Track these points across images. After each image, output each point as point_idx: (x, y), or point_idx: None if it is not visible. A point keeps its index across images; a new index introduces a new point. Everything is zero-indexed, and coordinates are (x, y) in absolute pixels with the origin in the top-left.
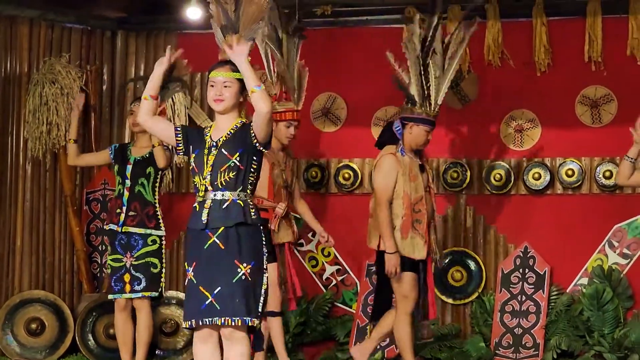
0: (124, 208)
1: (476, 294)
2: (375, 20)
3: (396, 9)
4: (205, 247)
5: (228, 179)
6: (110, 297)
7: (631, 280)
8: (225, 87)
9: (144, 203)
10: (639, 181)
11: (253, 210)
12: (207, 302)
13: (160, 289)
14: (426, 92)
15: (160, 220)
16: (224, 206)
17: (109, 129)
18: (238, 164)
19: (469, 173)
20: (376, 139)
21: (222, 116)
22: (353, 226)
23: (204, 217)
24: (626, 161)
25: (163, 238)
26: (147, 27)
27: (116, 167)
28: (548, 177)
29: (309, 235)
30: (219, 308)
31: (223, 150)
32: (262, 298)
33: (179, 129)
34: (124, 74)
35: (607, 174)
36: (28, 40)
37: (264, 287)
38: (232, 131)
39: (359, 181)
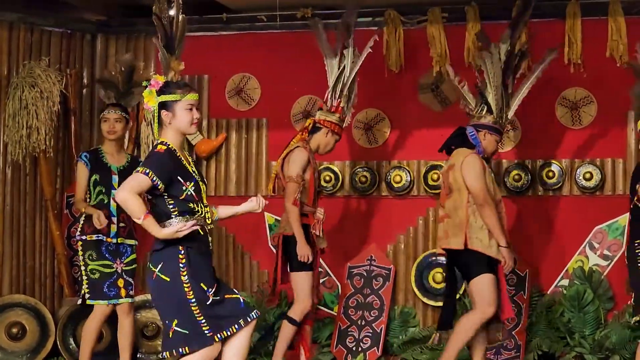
0: (114, 219)
1: (457, 296)
2: (356, 23)
3: (375, 11)
4: (213, 269)
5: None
6: (99, 302)
7: (612, 282)
8: (197, 109)
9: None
10: None
11: None
12: (242, 301)
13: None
14: (503, 104)
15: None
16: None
17: (89, 132)
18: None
19: None
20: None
21: (180, 141)
22: (334, 228)
23: (210, 242)
24: None
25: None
26: (126, 30)
27: (96, 177)
28: (529, 179)
29: None
30: (249, 303)
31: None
32: None
33: (154, 180)
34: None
35: (588, 175)
36: (7, 44)
37: None
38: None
39: (339, 183)
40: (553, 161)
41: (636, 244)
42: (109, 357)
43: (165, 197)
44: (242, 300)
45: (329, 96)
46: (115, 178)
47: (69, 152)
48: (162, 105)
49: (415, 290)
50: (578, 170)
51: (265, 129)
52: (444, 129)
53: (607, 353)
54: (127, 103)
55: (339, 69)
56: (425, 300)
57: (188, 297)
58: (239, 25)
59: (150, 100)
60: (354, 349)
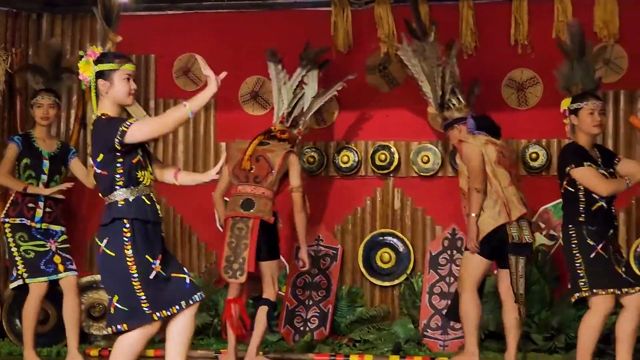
0: (40, 204)
1: (404, 276)
2: (303, 3)
3: None
4: (162, 239)
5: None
6: (39, 280)
7: (557, 262)
8: (135, 80)
9: (56, 200)
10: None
11: None
12: (188, 282)
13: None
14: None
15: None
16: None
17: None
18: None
19: (397, 155)
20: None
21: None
22: (281, 210)
23: (159, 210)
24: None
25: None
26: (72, 10)
27: (27, 161)
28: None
29: None
30: (196, 285)
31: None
32: None
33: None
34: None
35: (534, 155)
36: None
37: None
38: None
39: None
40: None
41: (569, 227)
42: (55, 337)
43: (117, 165)
44: (188, 281)
45: (288, 116)
46: (46, 163)
47: (15, 132)
48: (100, 75)
49: (363, 270)
50: (524, 150)
51: (213, 110)
52: (391, 110)
53: (552, 332)
54: (56, 89)
55: (294, 97)
56: (372, 280)
57: (130, 271)
58: (186, 4)
59: (86, 70)
60: (301, 328)
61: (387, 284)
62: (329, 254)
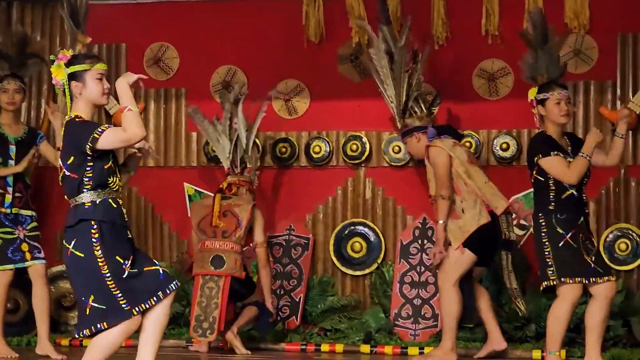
0: (9, 189)
1: (375, 265)
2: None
3: None
4: (131, 240)
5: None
6: (5, 267)
7: (528, 252)
8: (107, 79)
9: (26, 185)
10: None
11: None
12: (161, 272)
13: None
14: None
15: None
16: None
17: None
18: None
19: (368, 145)
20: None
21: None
22: (262, 200)
23: (124, 214)
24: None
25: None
26: None
27: None
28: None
29: None
30: (170, 275)
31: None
32: None
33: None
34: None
35: (504, 146)
36: None
37: None
38: None
39: (259, 154)
40: (470, 132)
41: (539, 215)
42: (26, 327)
43: (87, 168)
44: (161, 271)
45: (231, 164)
46: (13, 148)
47: None
48: (72, 77)
49: (334, 259)
50: (495, 140)
51: (184, 99)
52: (363, 100)
53: (523, 322)
54: (22, 75)
55: (232, 142)
56: (343, 269)
57: (103, 272)
58: None
59: (58, 74)
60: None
61: (358, 273)
62: (300, 244)
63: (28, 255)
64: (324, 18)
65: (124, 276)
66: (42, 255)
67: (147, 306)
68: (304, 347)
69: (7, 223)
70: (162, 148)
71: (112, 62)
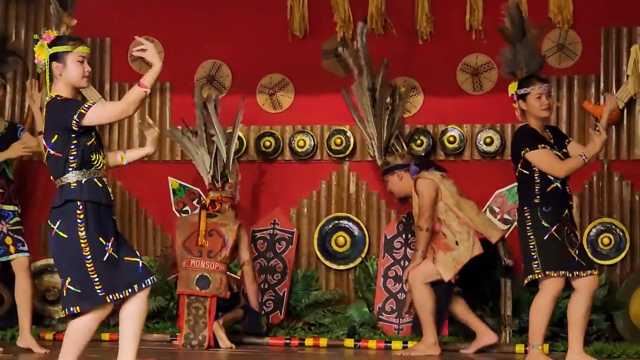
0: None
1: (359, 260)
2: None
3: None
4: (114, 221)
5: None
6: None
7: (511, 246)
8: (89, 63)
9: (8, 180)
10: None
11: None
12: (140, 265)
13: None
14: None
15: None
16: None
17: None
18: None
19: (352, 140)
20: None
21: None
22: (238, 193)
23: (110, 193)
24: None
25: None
26: None
27: None
28: (430, 144)
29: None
30: (149, 269)
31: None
32: None
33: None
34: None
35: (488, 140)
36: None
37: None
38: None
39: (244, 148)
40: (454, 126)
41: (524, 209)
42: (11, 321)
43: (72, 146)
44: (141, 265)
45: (212, 179)
46: None
47: None
48: (53, 57)
49: (318, 253)
50: (479, 135)
51: (168, 93)
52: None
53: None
54: (2, 71)
55: (212, 157)
56: (327, 263)
57: (84, 253)
58: None
59: (41, 54)
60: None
61: (342, 267)
62: (285, 238)
63: (12, 249)
64: (309, 13)
65: (104, 259)
66: (25, 248)
67: (121, 296)
68: (287, 341)
69: None
70: (146, 142)
71: (97, 56)
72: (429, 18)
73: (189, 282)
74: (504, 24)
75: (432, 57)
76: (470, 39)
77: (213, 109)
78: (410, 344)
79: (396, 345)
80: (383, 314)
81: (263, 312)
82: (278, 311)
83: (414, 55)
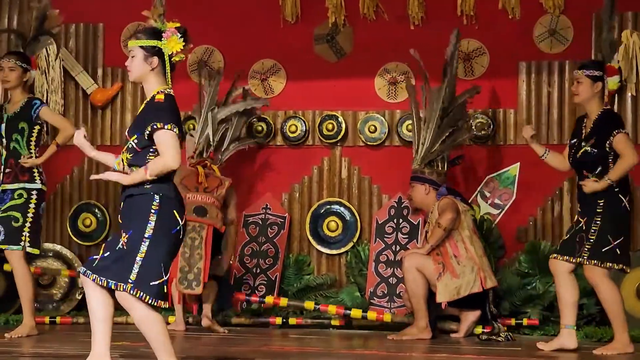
0: (2, 167)
1: (351, 244)
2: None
3: None
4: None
5: (129, 157)
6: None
7: (502, 230)
8: (131, 56)
9: (18, 158)
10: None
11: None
12: (94, 257)
13: (23, 244)
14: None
15: (36, 174)
16: None
17: None
18: (135, 147)
19: (344, 125)
20: None
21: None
22: (231, 178)
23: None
24: (546, 158)
25: (35, 191)
26: None
27: None
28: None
29: None
30: (93, 266)
31: (127, 132)
32: (136, 266)
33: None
34: None
35: (480, 125)
36: None
37: (139, 255)
38: (144, 106)
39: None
40: None
41: (616, 191)
42: (3, 305)
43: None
44: (93, 259)
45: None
46: (3, 126)
47: None
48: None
49: (310, 238)
50: (470, 120)
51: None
52: (338, 80)
53: (497, 300)
54: (32, 50)
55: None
56: (319, 248)
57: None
58: None
59: (175, 46)
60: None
61: (334, 252)
62: (277, 223)
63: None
64: None
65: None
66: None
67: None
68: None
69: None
70: None
71: (90, 42)
72: (420, 3)
73: (187, 211)
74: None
75: (423, 42)
76: (461, 24)
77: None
78: (369, 314)
79: (355, 313)
80: (375, 298)
81: (258, 296)
82: (270, 295)
83: (405, 40)
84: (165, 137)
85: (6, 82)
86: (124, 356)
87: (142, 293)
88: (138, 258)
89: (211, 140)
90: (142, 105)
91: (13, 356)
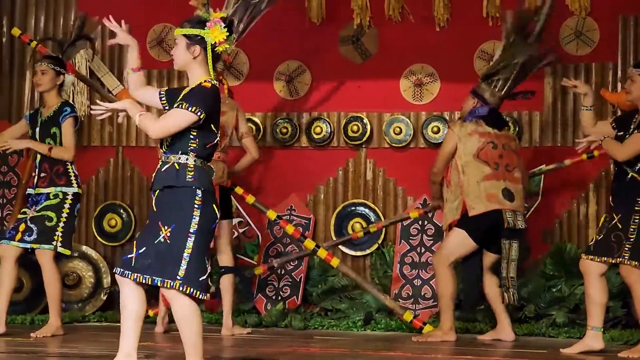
0: (37, 170)
1: (376, 246)
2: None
3: None
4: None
5: (170, 142)
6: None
7: (527, 232)
8: (175, 45)
9: (52, 162)
10: (603, 131)
11: (191, 173)
12: (129, 256)
13: (55, 243)
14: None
15: (72, 177)
16: (163, 169)
17: (9, 81)
18: None
19: (369, 127)
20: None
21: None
22: (255, 178)
23: (153, 179)
24: (585, 111)
25: (70, 194)
26: None
27: (30, 132)
28: (447, 131)
29: None
30: (132, 265)
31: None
32: (184, 262)
33: (162, 92)
34: (23, 26)
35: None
36: None
37: (186, 251)
38: (184, 94)
39: (261, 134)
40: None
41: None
42: (29, 304)
43: None
44: (129, 257)
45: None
46: (37, 130)
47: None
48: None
49: (335, 239)
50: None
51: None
52: (363, 81)
53: (522, 302)
54: (68, 55)
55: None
56: (344, 249)
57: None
58: None
59: (219, 35)
60: (273, 297)
61: (358, 253)
62: (301, 224)
63: (18, 236)
64: (325, 0)
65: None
66: (30, 239)
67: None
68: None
69: (28, 206)
70: None
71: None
72: (446, 5)
73: None
74: None
75: (449, 43)
76: (487, 25)
77: None
78: (426, 329)
79: (321, 252)
80: (399, 300)
81: (280, 298)
82: (295, 297)
83: (431, 41)
84: (175, 112)
85: (39, 85)
86: (148, 357)
87: (192, 289)
88: (185, 254)
89: None
90: (186, 90)
91: (39, 356)
